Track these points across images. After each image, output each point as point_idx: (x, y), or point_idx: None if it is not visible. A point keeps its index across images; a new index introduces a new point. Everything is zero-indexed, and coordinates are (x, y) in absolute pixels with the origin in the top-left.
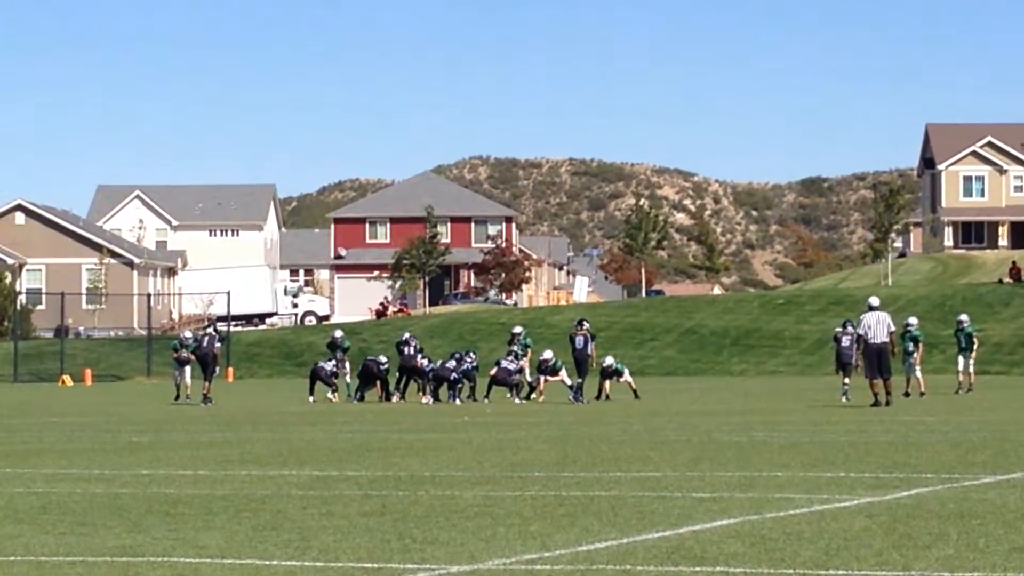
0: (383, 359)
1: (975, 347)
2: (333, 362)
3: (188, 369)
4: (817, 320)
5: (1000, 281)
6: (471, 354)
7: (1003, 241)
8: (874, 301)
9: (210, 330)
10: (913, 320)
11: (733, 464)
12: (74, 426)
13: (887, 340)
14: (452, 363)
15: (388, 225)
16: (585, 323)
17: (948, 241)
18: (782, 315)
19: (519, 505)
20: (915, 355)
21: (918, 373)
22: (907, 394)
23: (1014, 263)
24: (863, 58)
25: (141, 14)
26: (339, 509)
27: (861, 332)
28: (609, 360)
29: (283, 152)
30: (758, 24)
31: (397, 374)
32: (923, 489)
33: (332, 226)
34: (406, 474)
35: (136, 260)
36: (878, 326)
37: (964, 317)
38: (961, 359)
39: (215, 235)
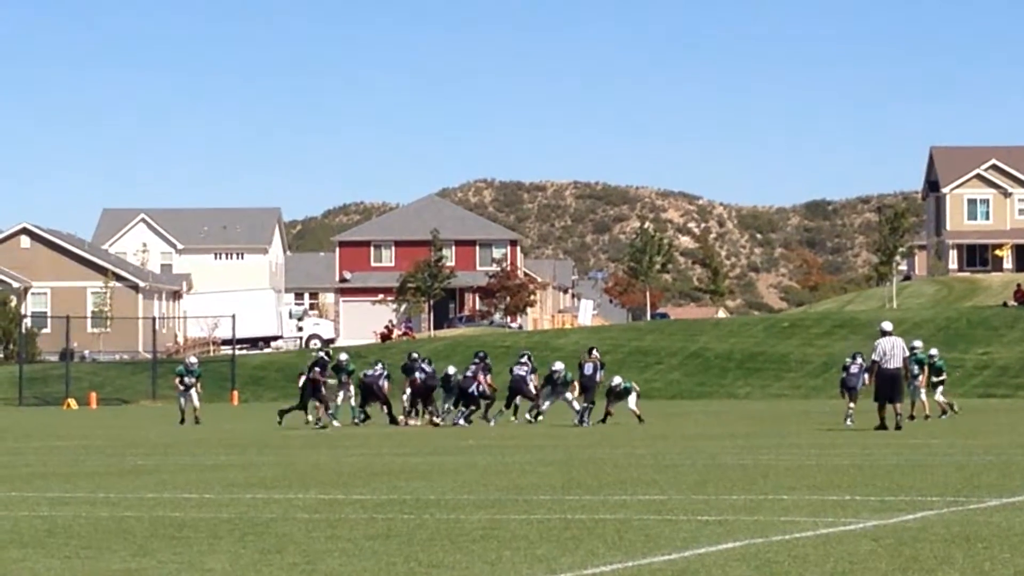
0: (379, 370)
1: (935, 374)
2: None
3: (194, 393)
4: (822, 343)
5: (1005, 304)
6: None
7: (1007, 264)
8: (887, 326)
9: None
10: (918, 343)
11: (739, 487)
12: (79, 449)
13: (901, 366)
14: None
15: (393, 248)
16: (595, 351)
17: (953, 264)
18: (787, 338)
19: (525, 528)
20: (920, 378)
21: (923, 396)
22: (912, 417)
23: (1019, 286)
24: (868, 81)
25: (146, 38)
26: (344, 532)
27: (876, 357)
28: (617, 380)
29: (288, 176)
30: (763, 47)
31: (408, 396)
32: (928, 512)
33: (337, 249)
34: (411, 497)
35: (141, 283)
36: (893, 351)
37: (918, 344)
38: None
39: (220, 258)
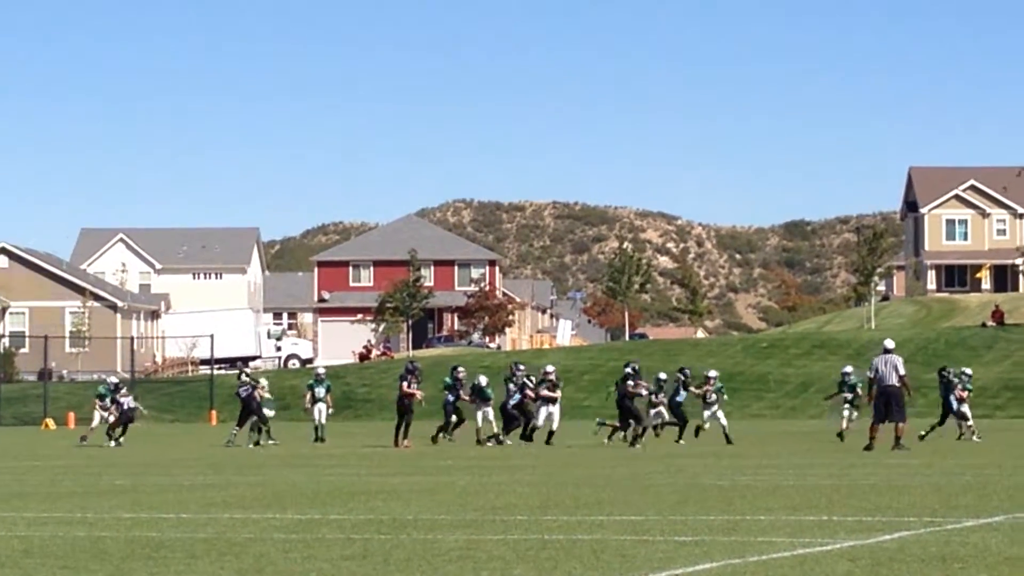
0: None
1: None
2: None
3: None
4: (800, 363)
5: (983, 324)
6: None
7: (986, 284)
8: (889, 344)
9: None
10: (850, 368)
11: (716, 508)
12: (57, 469)
13: (896, 383)
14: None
15: (371, 268)
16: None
17: (931, 284)
18: (766, 358)
19: (501, 549)
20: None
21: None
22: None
23: (997, 306)
24: (846, 101)
25: (125, 58)
26: (321, 552)
27: (871, 375)
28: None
29: (267, 195)
30: (741, 68)
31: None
32: (906, 533)
33: (316, 269)
34: (388, 517)
35: (119, 303)
36: (887, 369)
37: (849, 368)
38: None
39: (198, 278)
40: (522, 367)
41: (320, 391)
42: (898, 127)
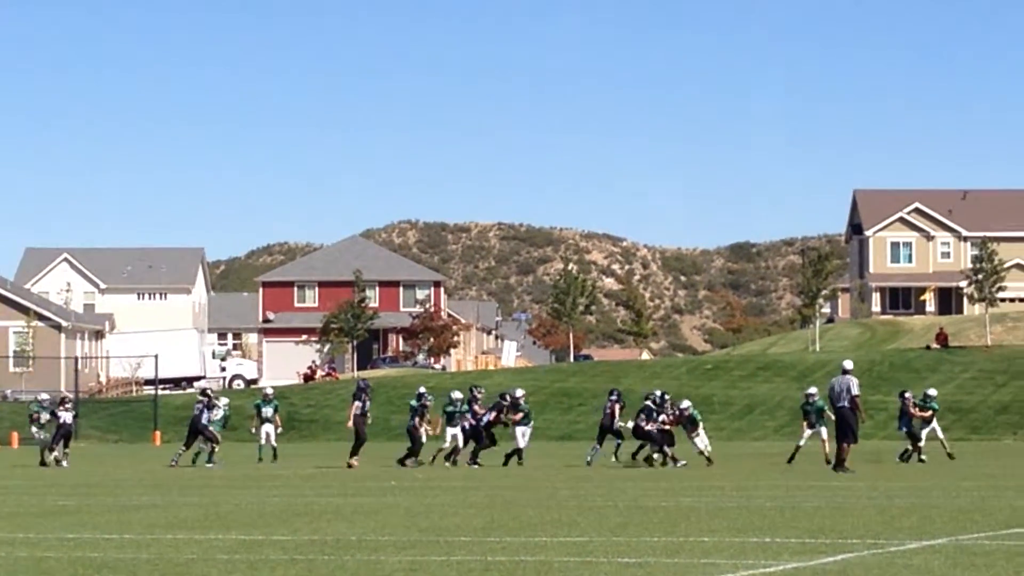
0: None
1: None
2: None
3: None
4: (745, 385)
5: (928, 347)
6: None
7: (930, 307)
8: (847, 365)
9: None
10: (814, 389)
11: (659, 529)
12: (0, 490)
13: (847, 404)
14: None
15: (316, 289)
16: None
17: (876, 307)
18: (710, 380)
19: (445, 570)
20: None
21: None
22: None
23: (941, 329)
24: (791, 124)
25: (69, 76)
26: (265, 574)
27: (828, 394)
28: (686, 403)
29: (212, 216)
30: (685, 91)
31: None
32: (848, 555)
33: (260, 290)
34: (332, 538)
35: (64, 323)
36: (840, 390)
37: (813, 390)
38: (823, 430)
39: (143, 298)
40: (482, 389)
41: (268, 411)
42: (843, 150)
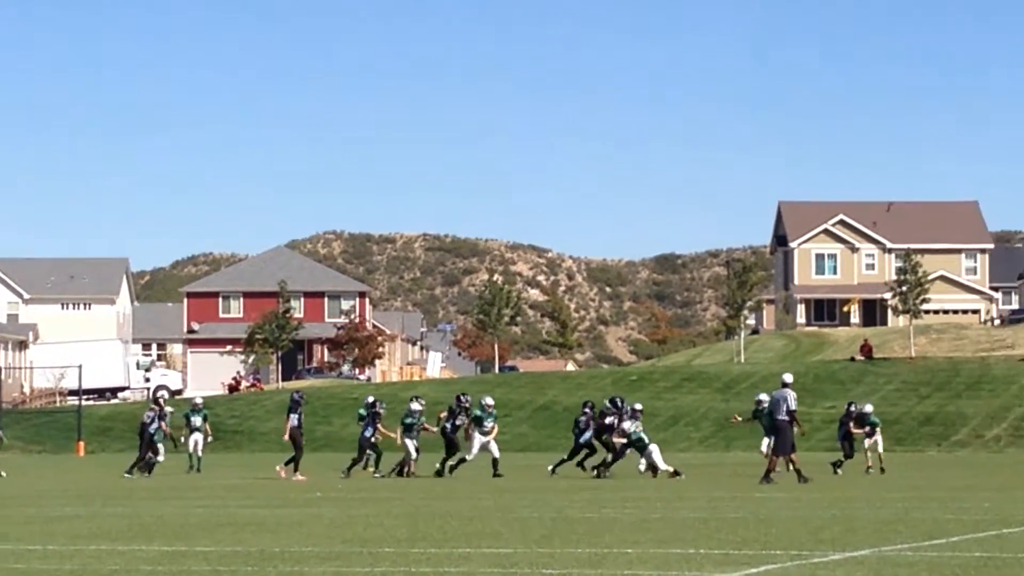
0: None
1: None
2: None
3: None
4: (670, 396)
5: (852, 359)
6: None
7: (855, 318)
8: (787, 378)
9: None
10: (764, 396)
11: (584, 541)
12: None
13: (785, 417)
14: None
15: (241, 299)
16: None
17: (800, 318)
18: (635, 391)
19: None
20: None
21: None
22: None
23: (865, 340)
24: (717, 135)
25: None
26: None
27: (766, 407)
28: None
29: (137, 226)
30: (612, 101)
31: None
32: (772, 566)
33: (185, 300)
34: (256, 549)
35: None
36: (779, 403)
37: (763, 396)
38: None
39: (67, 308)
40: (468, 397)
41: (197, 420)
42: (768, 162)
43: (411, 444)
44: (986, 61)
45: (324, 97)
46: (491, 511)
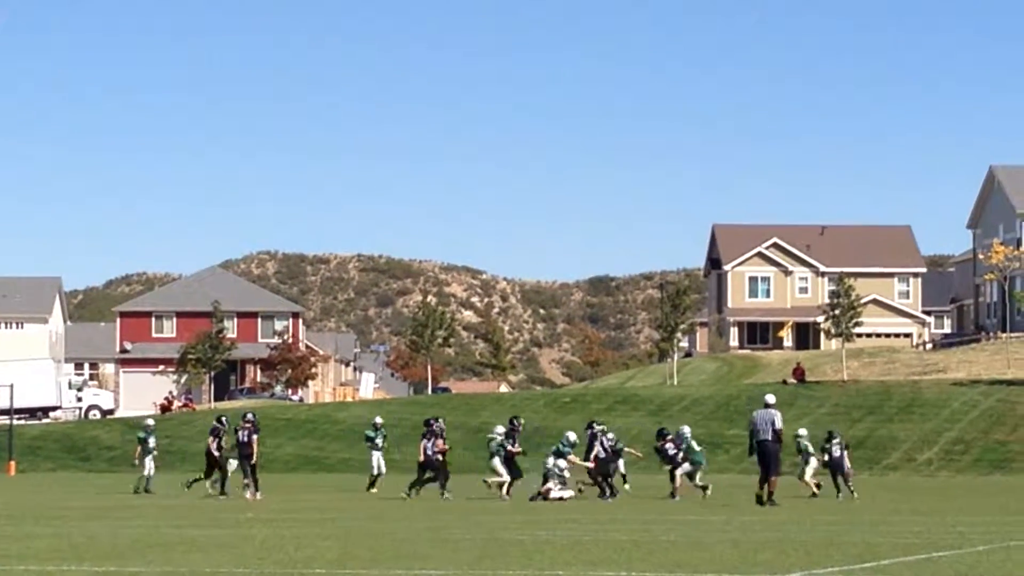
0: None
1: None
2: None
3: None
4: (603, 419)
5: (784, 382)
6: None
7: (788, 342)
8: (769, 399)
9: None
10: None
11: (516, 563)
12: None
13: (771, 438)
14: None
15: (174, 319)
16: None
17: (734, 341)
18: (568, 414)
19: None
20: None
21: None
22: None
23: (798, 363)
24: (651, 158)
25: None
26: None
27: (749, 428)
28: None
29: (69, 245)
30: (544, 125)
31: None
32: None
33: (118, 320)
34: (187, 570)
35: None
36: (763, 424)
37: (686, 429)
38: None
39: None
40: (523, 420)
41: (152, 442)
42: (702, 184)
43: (500, 465)
44: (920, 86)
45: (259, 118)
46: (423, 532)
